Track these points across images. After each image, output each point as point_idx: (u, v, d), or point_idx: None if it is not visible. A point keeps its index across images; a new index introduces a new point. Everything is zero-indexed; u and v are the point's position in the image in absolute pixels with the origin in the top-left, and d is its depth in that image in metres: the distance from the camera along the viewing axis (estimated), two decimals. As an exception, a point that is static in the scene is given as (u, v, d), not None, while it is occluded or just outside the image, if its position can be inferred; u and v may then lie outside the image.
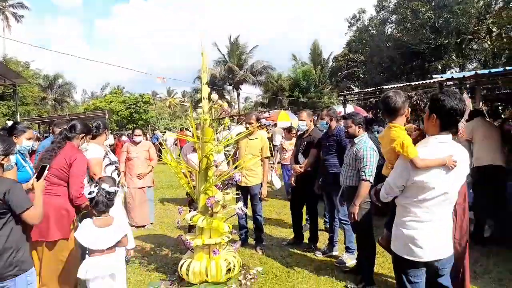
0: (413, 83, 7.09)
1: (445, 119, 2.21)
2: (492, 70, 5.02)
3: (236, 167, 4.32)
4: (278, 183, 8.34)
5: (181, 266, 3.97)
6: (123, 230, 2.96)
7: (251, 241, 5.38)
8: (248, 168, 4.88)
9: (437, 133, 2.27)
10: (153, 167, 6.41)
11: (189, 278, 3.88)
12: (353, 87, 34.14)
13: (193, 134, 3.98)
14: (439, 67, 25.44)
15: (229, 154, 4.14)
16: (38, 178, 2.64)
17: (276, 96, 37.54)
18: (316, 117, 7.68)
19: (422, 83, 7.23)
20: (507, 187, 5.07)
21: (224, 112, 3.83)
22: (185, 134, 4.40)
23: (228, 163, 4.70)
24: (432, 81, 5.76)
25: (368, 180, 3.78)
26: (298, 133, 6.34)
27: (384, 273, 4.20)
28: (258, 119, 5.16)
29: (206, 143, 3.83)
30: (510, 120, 7.41)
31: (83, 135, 3.74)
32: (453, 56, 26.76)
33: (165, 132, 23.50)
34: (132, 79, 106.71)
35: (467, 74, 4.92)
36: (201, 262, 3.92)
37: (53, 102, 41.05)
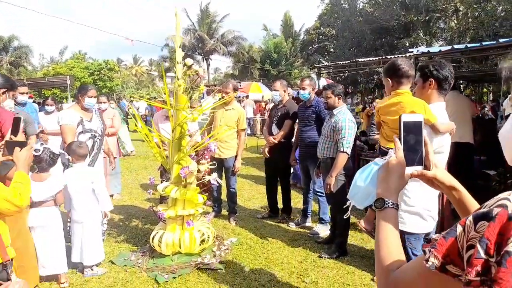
0: (389, 56, 7.09)
1: (442, 84, 2.21)
2: (484, 43, 5.07)
3: (210, 138, 4.16)
4: None
5: (153, 237, 3.85)
6: (58, 188, 3.22)
7: (224, 212, 5.31)
8: (223, 139, 4.72)
9: (436, 100, 2.26)
10: (112, 134, 6.02)
11: (161, 250, 3.77)
12: (324, 62, 34.25)
13: (165, 100, 3.77)
14: (407, 44, 25.88)
15: (204, 123, 3.94)
16: (14, 133, 2.24)
17: (247, 67, 37.00)
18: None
19: (398, 56, 7.26)
20: (473, 163, 5.23)
21: (199, 79, 3.62)
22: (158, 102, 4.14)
23: (202, 134, 4.53)
24: (408, 55, 5.78)
25: (346, 152, 3.76)
26: (272, 104, 6.23)
27: (356, 244, 4.28)
28: (235, 89, 4.95)
29: (180, 111, 3.64)
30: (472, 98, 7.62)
31: (4, 90, 3.00)
32: (421, 34, 27.27)
33: (131, 100, 22.67)
34: (94, 46, 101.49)
35: (443, 48, 4.93)
36: (174, 233, 3.81)
37: (8, 66, 38.34)
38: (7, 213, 1.95)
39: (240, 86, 19.72)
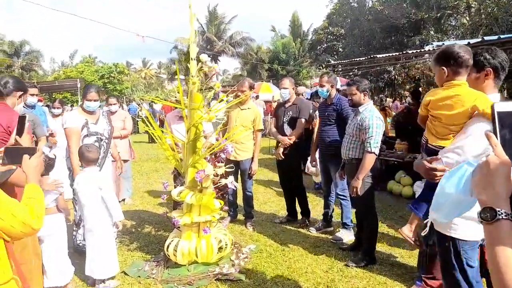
0: (410, 51, 6.78)
1: (499, 73, 1.99)
2: (502, 36, 4.75)
3: (226, 139, 3.92)
4: None
5: (168, 246, 3.61)
6: (55, 193, 3.03)
7: (239, 217, 5.07)
8: (239, 141, 4.47)
9: (491, 91, 2.01)
10: (124, 137, 5.81)
11: (177, 259, 3.54)
12: (332, 61, 33.77)
13: (178, 100, 3.54)
14: (417, 42, 25.46)
15: (220, 124, 3.69)
16: (19, 133, 2.01)
17: (255, 68, 36.75)
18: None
19: (420, 51, 6.94)
20: None
21: (215, 76, 3.38)
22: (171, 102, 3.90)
23: (218, 135, 4.28)
24: (423, 50, 5.47)
25: (374, 152, 3.48)
26: (278, 103, 5.98)
27: (384, 251, 3.99)
28: (251, 87, 4.68)
29: (195, 111, 3.40)
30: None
31: (21, 93, 2.83)
32: (432, 31, 26.82)
33: (141, 103, 22.57)
34: (102, 47, 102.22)
35: (472, 41, 4.63)
36: (190, 241, 3.57)
37: (20, 70, 38.71)
38: (20, 237, 1.59)
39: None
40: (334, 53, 34.87)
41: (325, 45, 34.31)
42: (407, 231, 2.28)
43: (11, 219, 1.47)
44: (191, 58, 3.34)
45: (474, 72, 2.03)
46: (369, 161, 3.49)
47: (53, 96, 25.69)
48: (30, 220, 1.53)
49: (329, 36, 34.16)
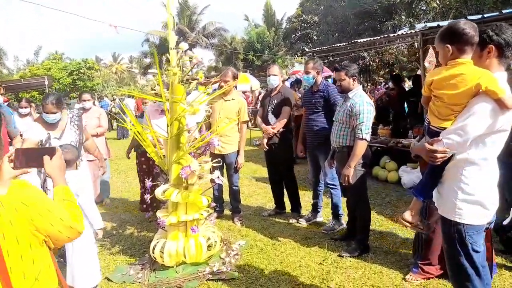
0: (391, 35, 6.70)
1: (504, 51, 1.90)
2: (486, 15, 4.72)
3: (211, 132, 3.72)
4: None
5: (154, 247, 3.41)
6: None
7: (226, 212, 4.90)
8: (223, 133, 4.27)
9: (496, 70, 1.91)
10: (100, 134, 5.50)
11: (164, 261, 3.34)
12: (307, 49, 33.71)
13: (157, 92, 3.31)
14: (389, 27, 25.70)
15: (204, 116, 3.47)
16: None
17: (230, 58, 36.25)
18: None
19: (402, 33, 6.90)
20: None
21: (196, 65, 3.16)
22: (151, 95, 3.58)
23: (200, 130, 4.07)
24: (414, 31, 5.42)
25: (365, 139, 3.38)
26: (265, 92, 5.80)
27: (376, 238, 3.93)
28: (235, 77, 4.45)
29: (177, 103, 3.18)
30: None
31: None
32: (403, 16, 27.16)
33: (113, 99, 21.88)
34: (69, 42, 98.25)
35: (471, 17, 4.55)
36: (177, 241, 3.38)
37: (-19, 70, 36.80)
38: (64, 243, 1.53)
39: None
40: (309, 41, 34.82)
41: (300, 33, 34.19)
42: (408, 216, 2.18)
43: (59, 224, 1.42)
44: (170, 48, 3.11)
45: (478, 50, 1.94)
46: (361, 148, 3.38)
47: (20, 96, 24.54)
48: (76, 224, 1.48)
49: (303, 24, 34.03)
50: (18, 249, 1.32)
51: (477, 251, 1.97)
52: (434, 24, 5.48)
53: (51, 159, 1.59)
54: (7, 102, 8.87)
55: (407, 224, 2.20)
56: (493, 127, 1.86)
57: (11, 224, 1.30)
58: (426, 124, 2.16)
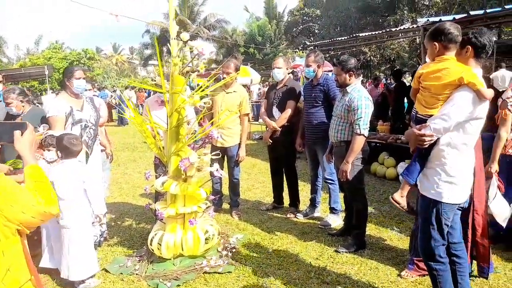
0: (393, 29, 6.66)
1: (479, 52, 2.22)
2: (488, 10, 4.70)
3: (212, 124, 3.71)
4: None
5: (151, 239, 3.42)
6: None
7: (225, 205, 4.91)
8: (225, 126, 4.25)
9: (475, 67, 2.23)
10: (100, 125, 5.48)
11: (161, 253, 3.36)
12: (308, 43, 33.48)
13: (157, 83, 3.29)
14: (391, 22, 25.57)
15: (204, 108, 3.44)
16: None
17: (231, 51, 36.04)
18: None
19: (405, 28, 6.85)
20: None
21: (197, 56, 3.14)
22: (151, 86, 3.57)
23: (201, 121, 4.06)
24: (416, 25, 5.39)
25: (363, 134, 3.38)
26: (271, 84, 5.78)
27: (373, 234, 3.94)
28: (237, 69, 4.40)
29: (177, 95, 3.17)
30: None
31: None
32: (406, 11, 27.02)
33: (114, 91, 21.82)
34: (70, 32, 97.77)
35: (457, 16, 4.55)
36: (175, 234, 3.39)
37: (-19, 59, 36.62)
38: (36, 226, 1.53)
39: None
40: (310, 34, 34.64)
41: (301, 26, 34.00)
42: (398, 197, 2.41)
43: (31, 210, 1.37)
44: (171, 38, 3.09)
45: (459, 48, 2.25)
46: (359, 143, 3.38)
47: (20, 85, 24.46)
48: (49, 208, 1.43)
49: (304, 18, 33.83)
50: None
51: (447, 225, 2.31)
52: (437, 19, 5.45)
53: (22, 134, 1.49)
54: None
55: (396, 204, 2.44)
56: (472, 115, 2.14)
57: None
58: (414, 113, 2.43)
